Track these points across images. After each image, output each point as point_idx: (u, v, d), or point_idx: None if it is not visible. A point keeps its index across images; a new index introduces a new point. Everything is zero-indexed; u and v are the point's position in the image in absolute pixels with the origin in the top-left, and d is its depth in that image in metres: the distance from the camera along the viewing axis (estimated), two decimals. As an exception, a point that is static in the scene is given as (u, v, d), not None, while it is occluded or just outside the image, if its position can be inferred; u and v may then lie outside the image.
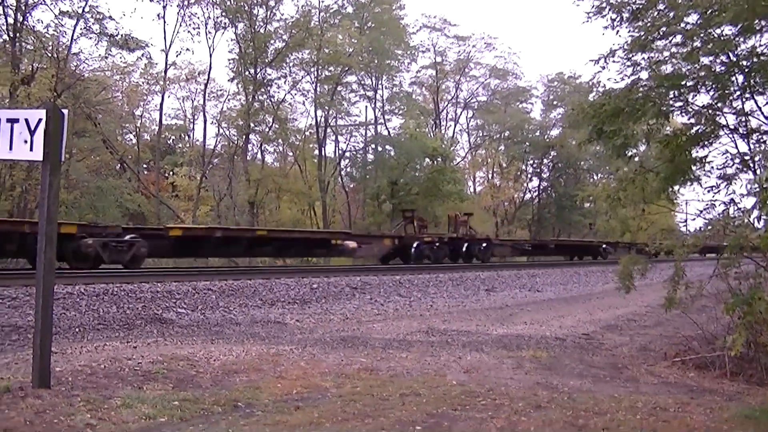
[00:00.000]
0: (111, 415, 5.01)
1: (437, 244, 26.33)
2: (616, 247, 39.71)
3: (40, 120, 5.51)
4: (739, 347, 6.50)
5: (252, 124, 36.01)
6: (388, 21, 43.43)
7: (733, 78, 8.64)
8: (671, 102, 8.89)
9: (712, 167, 8.84)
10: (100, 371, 6.38)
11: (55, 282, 6.46)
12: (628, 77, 8.95)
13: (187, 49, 37.77)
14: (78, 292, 11.55)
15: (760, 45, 8.49)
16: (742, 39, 8.30)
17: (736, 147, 8.86)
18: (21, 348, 7.96)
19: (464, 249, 27.96)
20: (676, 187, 9.21)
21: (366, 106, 45.16)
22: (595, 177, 60.76)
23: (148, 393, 5.75)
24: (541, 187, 60.10)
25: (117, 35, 29.26)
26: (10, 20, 26.17)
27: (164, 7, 33.29)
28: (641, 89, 8.74)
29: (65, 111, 5.75)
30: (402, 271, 20.91)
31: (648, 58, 8.80)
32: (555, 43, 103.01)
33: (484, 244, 29.20)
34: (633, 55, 8.82)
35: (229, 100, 38.69)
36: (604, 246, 38.97)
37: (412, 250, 24.91)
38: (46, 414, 4.88)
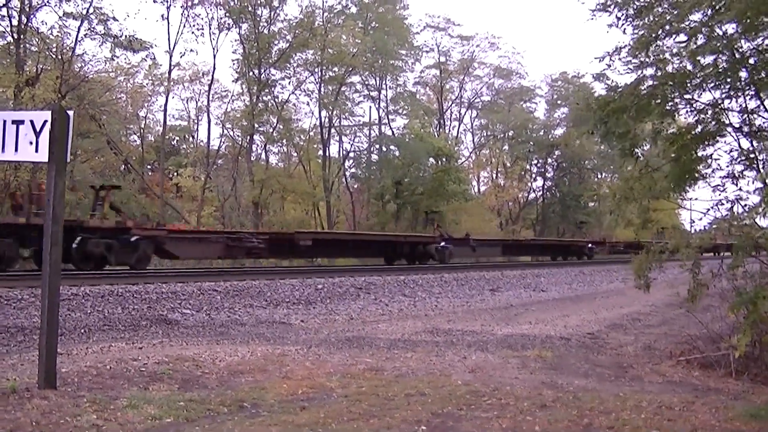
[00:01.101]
0: (117, 415, 5.03)
1: None
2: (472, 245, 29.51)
3: (45, 121, 5.53)
4: (744, 347, 6.48)
5: (256, 125, 36.11)
6: (392, 21, 43.49)
7: (738, 74, 8.61)
8: (676, 100, 8.87)
9: (719, 165, 8.81)
10: (105, 372, 6.40)
11: (61, 283, 6.48)
12: (633, 70, 8.93)
13: (191, 50, 38.14)
14: (83, 293, 11.59)
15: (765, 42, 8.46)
16: (744, 37, 8.27)
17: (739, 146, 8.82)
18: (27, 349, 7.99)
19: (76, 245, 16.17)
20: (683, 186, 9.16)
21: (370, 107, 45.27)
22: (600, 176, 60.89)
23: (153, 394, 5.77)
24: (546, 187, 60.14)
25: (121, 36, 29.30)
26: (15, 22, 26.22)
27: (168, 8, 33.38)
28: (646, 88, 8.72)
29: (71, 112, 5.77)
30: (406, 272, 20.91)
31: (654, 57, 8.77)
32: (559, 42, 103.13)
33: (134, 238, 17.24)
34: (638, 53, 8.79)
35: (233, 100, 38.92)
36: (442, 244, 27.03)
37: None
38: (53, 414, 4.90)
